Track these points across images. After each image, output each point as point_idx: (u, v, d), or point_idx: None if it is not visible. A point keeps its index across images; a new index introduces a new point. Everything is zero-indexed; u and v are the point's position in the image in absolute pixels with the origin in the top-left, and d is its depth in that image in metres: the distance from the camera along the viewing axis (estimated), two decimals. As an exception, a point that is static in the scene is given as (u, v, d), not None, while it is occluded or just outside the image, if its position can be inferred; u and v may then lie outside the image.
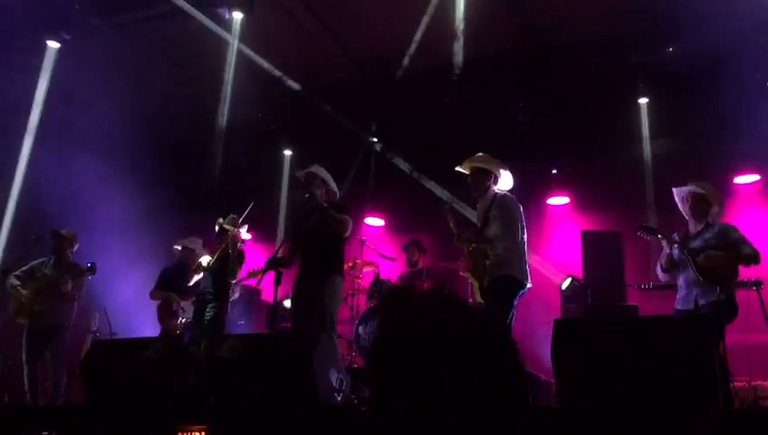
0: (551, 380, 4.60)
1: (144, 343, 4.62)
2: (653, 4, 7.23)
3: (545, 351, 3.46)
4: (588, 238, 7.23)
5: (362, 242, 7.66)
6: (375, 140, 9.62)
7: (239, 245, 6.23)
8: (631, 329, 3.53)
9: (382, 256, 7.72)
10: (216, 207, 9.81)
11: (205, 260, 6.63)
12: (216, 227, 6.23)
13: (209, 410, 3.97)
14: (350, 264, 7.01)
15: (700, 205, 4.92)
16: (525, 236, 4.99)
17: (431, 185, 8.86)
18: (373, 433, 2.96)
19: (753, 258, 4.66)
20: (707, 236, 4.80)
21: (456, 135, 7.93)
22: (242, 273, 6.21)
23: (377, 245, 8.16)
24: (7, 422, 4.38)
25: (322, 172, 5.18)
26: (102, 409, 4.15)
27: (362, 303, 7.33)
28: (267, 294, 6.81)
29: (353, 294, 7.24)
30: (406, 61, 8.03)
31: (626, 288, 6.77)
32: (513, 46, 7.88)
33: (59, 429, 4.03)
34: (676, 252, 4.89)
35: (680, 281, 4.90)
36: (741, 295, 4.78)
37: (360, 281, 7.38)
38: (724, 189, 7.43)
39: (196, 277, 6.29)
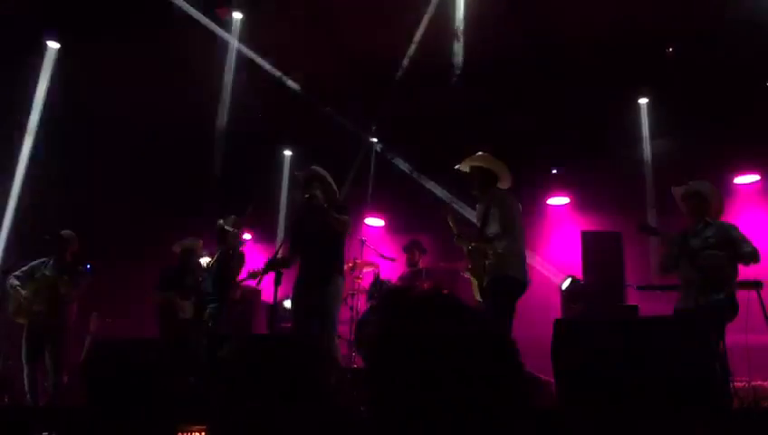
0: (550, 380, 4.60)
1: (144, 343, 4.62)
2: (653, 5, 7.23)
3: (545, 351, 3.46)
4: (588, 239, 7.23)
5: (362, 242, 7.66)
6: (375, 140, 9.64)
7: (239, 246, 6.23)
8: (631, 329, 3.53)
9: (382, 256, 7.72)
10: (216, 208, 9.85)
11: (204, 261, 6.63)
12: (217, 228, 6.23)
13: (209, 410, 3.97)
14: (351, 264, 7.02)
15: (699, 204, 4.92)
16: (524, 235, 5.00)
17: (431, 185, 8.88)
18: (373, 433, 2.97)
19: (753, 256, 4.66)
20: (707, 234, 4.80)
21: (456, 135, 7.94)
22: (242, 273, 6.21)
23: (377, 245, 8.17)
24: (7, 422, 4.38)
25: (322, 172, 5.18)
26: (103, 409, 4.15)
27: (362, 303, 7.34)
28: (267, 295, 6.81)
29: (353, 295, 7.24)
30: (406, 61, 8.04)
31: (626, 288, 6.77)
32: (513, 46, 7.88)
33: (59, 429, 4.03)
34: (675, 251, 4.90)
35: (680, 280, 4.90)
36: (741, 296, 4.78)
37: (360, 281, 7.38)
38: (724, 190, 7.44)
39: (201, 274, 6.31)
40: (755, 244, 4.74)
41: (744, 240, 4.73)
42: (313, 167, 5.22)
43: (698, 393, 3.14)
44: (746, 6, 6.86)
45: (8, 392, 6.92)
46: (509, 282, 4.72)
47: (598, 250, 7.08)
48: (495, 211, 4.85)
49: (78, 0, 7.41)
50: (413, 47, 7.91)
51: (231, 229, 6.10)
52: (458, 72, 7.74)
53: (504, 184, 5.10)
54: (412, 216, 9.10)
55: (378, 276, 7.24)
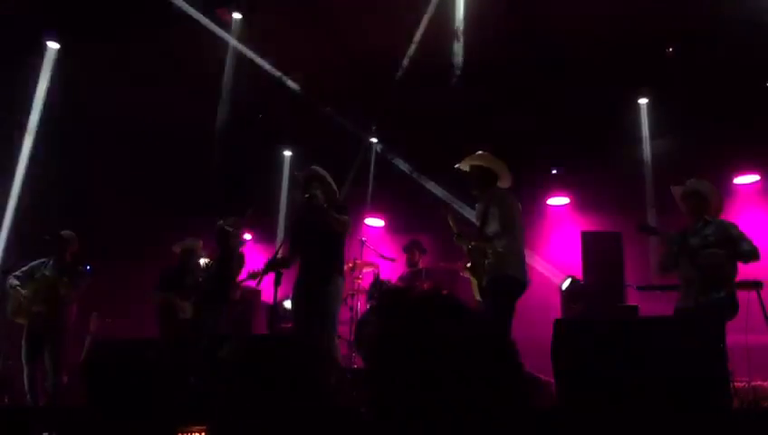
0: (550, 380, 4.60)
1: (144, 344, 4.62)
2: (652, 6, 7.23)
3: (545, 351, 3.46)
4: (588, 239, 7.24)
5: (362, 242, 7.66)
6: (375, 140, 9.64)
7: (240, 246, 6.23)
8: (631, 329, 3.53)
9: (382, 256, 7.72)
10: (216, 208, 9.85)
11: (204, 262, 6.63)
12: (217, 229, 6.23)
13: (209, 410, 3.97)
14: (350, 264, 7.02)
15: (698, 203, 4.93)
16: (524, 234, 4.99)
17: (431, 185, 8.88)
18: (373, 433, 2.97)
19: (753, 254, 4.66)
20: (706, 233, 4.80)
21: (456, 135, 7.93)
22: (242, 274, 6.22)
23: (377, 245, 8.17)
24: (7, 423, 4.38)
25: (322, 172, 5.18)
26: (103, 409, 4.15)
27: (362, 303, 7.34)
28: (267, 295, 6.81)
29: (353, 295, 7.24)
30: (406, 61, 8.04)
31: (626, 289, 6.78)
32: (513, 46, 7.88)
33: (59, 429, 4.04)
34: (675, 250, 4.90)
35: (680, 279, 4.90)
36: (741, 296, 4.78)
37: (359, 282, 7.38)
38: (724, 190, 7.44)
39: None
40: (755, 244, 4.74)
41: (743, 238, 4.73)
42: (313, 167, 5.22)
43: (698, 393, 3.14)
44: (746, 6, 6.86)
45: (8, 392, 6.93)
46: (508, 281, 4.71)
47: (598, 250, 7.08)
48: (495, 210, 4.85)
49: (78, 0, 7.40)
50: (413, 47, 7.90)
51: (231, 230, 6.10)
52: (458, 72, 7.74)
53: (504, 183, 5.10)
54: (412, 216, 9.11)
55: (378, 277, 7.24)
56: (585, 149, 8.34)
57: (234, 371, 3.95)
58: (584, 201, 8.70)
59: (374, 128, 9.41)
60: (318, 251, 5.01)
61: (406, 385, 2.37)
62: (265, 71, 8.37)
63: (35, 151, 8.51)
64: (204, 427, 3.59)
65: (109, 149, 9.00)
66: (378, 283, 7.05)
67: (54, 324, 6.01)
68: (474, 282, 5.08)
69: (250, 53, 8.12)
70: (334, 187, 5.21)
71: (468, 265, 5.12)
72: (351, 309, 7.18)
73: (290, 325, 6.14)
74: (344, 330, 6.87)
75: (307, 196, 4.96)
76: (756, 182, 7.87)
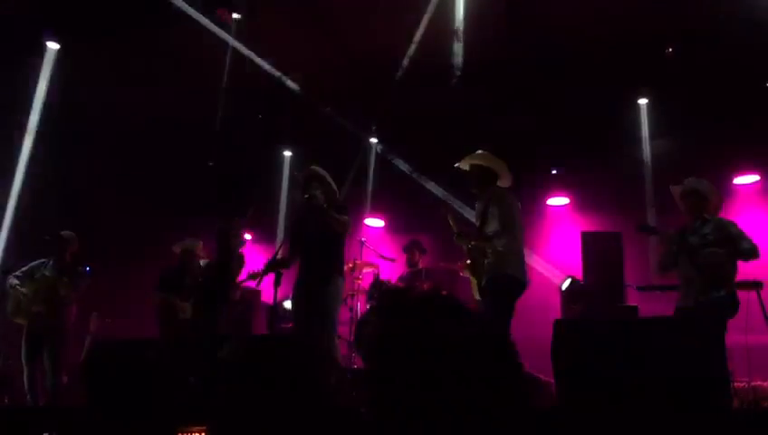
0: (550, 380, 4.60)
1: (144, 344, 4.62)
2: (652, 6, 7.23)
3: (545, 351, 3.46)
4: (588, 239, 7.24)
5: (362, 243, 7.66)
6: (375, 140, 9.64)
7: (240, 247, 6.23)
8: (631, 329, 3.53)
9: (382, 256, 7.72)
10: (216, 208, 9.86)
11: (203, 262, 6.64)
12: (218, 231, 6.23)
13: (209, 411, 3.97)
14: (350, 265, 7.01)
15: (697, 201, 4.93)
16: (523, 234, 4.99)
17: (431, 185, 8.88)
18: (373, 433, 2.97)
19: (752, 252, 4.66)
20: (705, 231, 4.80)
21: (456, 135, 7.93)
22: (242, 274, 6.22)
23: (376, 245, 8.16)
24: (7, 423, 4.38)
25: (322, 172, 5.18)
26: (103, 409, 4.15)
27: (362, 304, 7.33)
28: (267, 296, 6.81)
29: (353, 295, 7.23)
30: (406, 61, 8.04)
31: (626, 289, 6.78)
32: (513, 46, 7.88)
33: (59, 429, 4.04)
34: (674, 249, 4.90)
35: (679, 278, 4.90)
36: (741, 296, 4.78)
37: (359, 282, 7.37)
38: (724, 190, 7.45)
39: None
40: (755, 243, 4.74)
41: (743, 236, 4.73)
42: (313, 167, 5.22)
43: (698, 393, 3.14)
44: (746, 6, 6.87)
45: (8, 393, 6.93)
46: (508, 281, 4.71)
47: (598, 250, 7.08)
48: (495, 209, 4.84)
49: (77, 0, 7.40)
50: (413, 47, 7.91)
51: (232, 230, 6.11)
52: (458, 72, 7.74)
53: (504, 182, 5.09)
54: (412, 216, 9.10)
55: (377, 277, 7.23)
56: (585, 150, 8.34)
57: (234, 371, 3.96)
58: (584, 201, 8.70)
59: (374, 128, 9.41)
60: (318, 251, 5.00)
61: (406, 385, 2.37)
62: (265, 71, 8.37)
63: (35, 151, 8.51)
64: (204, 427, 3.59)
65: (109, 148, 8.99)
66: (378, 283, 7.04)
67: (54, 325, 6.01)
68: (473, 281, 5.07)
69: (250, 54, 8.12)
70: (334, 187, 5.21)
71: (468, 264, 5.11)
72: (351, 309, 7.18)
73: (290, 326, 6.13)
74: (344, 330, 6.86)
75: (307, 196, 4.96)
76: (756, 182, 7.87)
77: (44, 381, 6.05)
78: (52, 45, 8.28)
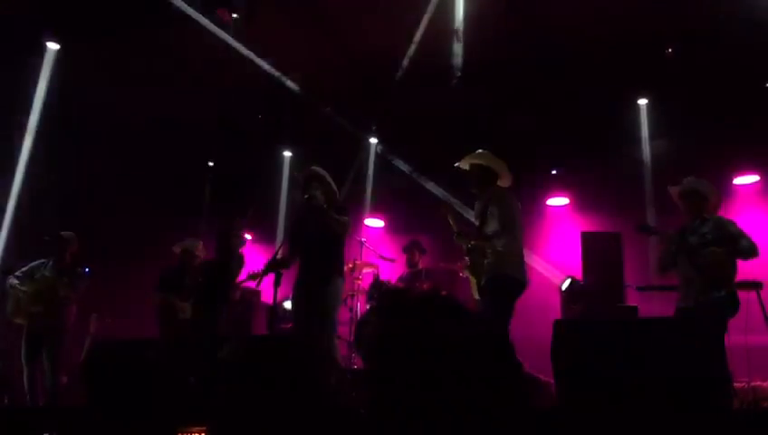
0: (550, 380, 4.60)
1: (144, 344, 4.62)
2: (652, 6, 7.24)
3: (545, 351, 3.46)
4: (587, 239, 7.23)
5: (362, 243, 7.65)
6: (375, 140, 9.64)
7: (240, 247, 6.23)
8: (631, 330, 3.53)
9: (382, 257, 7.72)
10: (216, 209, 9.87)
11: (203, 262, 6.64)
12: (219, 230, 6.23)
13: (209, 411, 3.97)
14: (350, 265, 7.01)
15: (696, 201, 4.92)
16: (523, 233, 4.99)
17: (431, 186, 8.88)
18: (373, 433, 2.97)
19: (752, 251, 4.65)
20: (704, 231, 4.79)
21: (456, 135, 7.94)
22: (241, 275, 6.22)
23: (376, 246, 8.16)
24: (7, 423, 4.38)
25: (322, 173, 5.18)
26: (103, 410, 4.15)
27: (362, 304, 7.33)
28: (267, 296, 6.81)
29: (353, 296, 7.23)
30: (406, 62, 8.04)
31: (625, 289, 6.78)
32: (513, 46, 7.89)
33: (60, 430, 4.04)
34: (673, 249, 4.90)
35: (679, 278, 4.90)
36: (741, 296, 4.78)
37: (359, 282, 7.37)
38: (724, 190, 7.44)
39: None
40: (755, 243, 4.74)
41: (742, 235, 4.73)
42: (313, 167, 5.22)
43: (698, 394, 3.14)
44: (746, 6, 6.87)
45: (8, 393, 6.92)
46: (507, 281, 4.70)
47: (597, 251, 7.08)
48: (494, 209, 4.84)
49: (77, 0, 7.40)
50: (413, 47, 7.91)
51: (233, 231, 6.11)
52: (458, 72, 7.74)
53: (505, 182, 5.09)
54: (412, 216, 9.10)
55: (377, 277, 7.23)
56: (585, 150, 8.34)
57: (234, 371, 3.96)
58: (584, 202, 8.70)
59: (374, 128, 9.41)
60: (317, 252, 5.00)
61: (406, 385, 2.38)
62: (265, 71, 8.37)
63: (35, 151, 8.50)
64: (204, 427, 3.60)
65: (108, 149, 8.99)
66: (377, 283, 7.04)
67: (54, 325, 6.01)
68: (473, 281, 5.07)
69: (250, 54, 8.12)
70: (334, 187, 5.21)
71: (468, 264, 5.11)
72: (351, 310, 7.18)
73: (290, 326, 6.13)
74: (344, 331, 6.86)
75: (306, 196, 4.96)
76: (756, 183, 7.87)
77: (44, 381, 6.05)
78: (52, 45, 8.27)
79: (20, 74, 8.16)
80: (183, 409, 3.94)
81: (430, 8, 7.52)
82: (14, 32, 7.64)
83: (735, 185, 7.88)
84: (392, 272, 7.97)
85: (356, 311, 7.21)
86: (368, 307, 7.15)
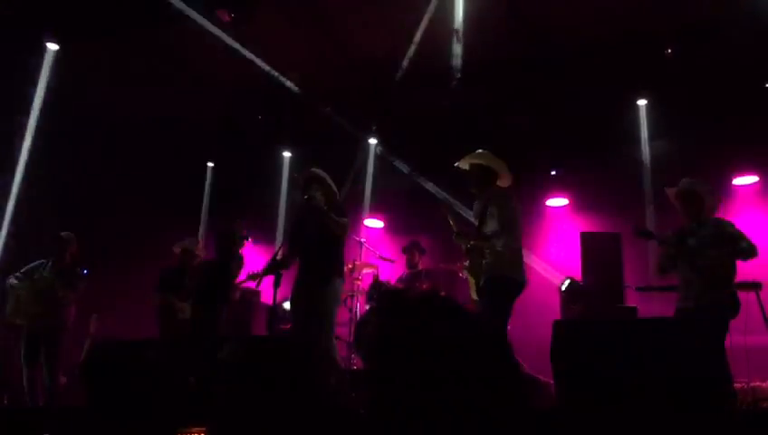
0: (550, 381, 4.60)
1: (144, 344, 4.62)
2: (652, 7, 7.24)
3: (544, 352, 3.47)
4: (587, 240, 7.23)
5: (361, 244, 7.66)
6: (374, 141, 9.64)
7: (240, 248, 6.23)
8: (630, 330, 3.54)
9: (381, 257, 7.72)
10: (216, 209, 9.88)
11: (203, 262, 6.64)
12: (222, 233, 6.23)
13: (209, 411, 3.97)
14: (350, 266, 7.01)
15: (694, 202, 4.92)
16: (522, 234, 4.99)
17: (430, 186, 8.88)
18: (373, 433, 2.97)
19: (751, 252, 4.65)
20: (703, 233, 4.79)
21: (456, 136, 7.94)
22: (241, 275, 6.22)
23: (376, 246, 8.17)
24: (7, 423, 4.39)
25: (322, 175, 5.18)
26: (102, 410, 4.15)
27: (362, 304, 7.34)
28: (267, 296, 6.81)
29: (353, 296, 7.24)
30: (405, 62, 8.04)
31: (625, 290, 6.78)
32: (513, 46, 7.89)
33: (59, 430, 4.04)
34: (672, 251, 4.90)
35: (679, 280, 4.90)
36: (740, 297, 4.78)
37: (359, 283, 7.38)
38: (723, 191, 7.46)
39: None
40: (755, 244, 4.74)
41: (741, 236, 4.72)
42: (313, 169, 5.22)
43: (698, 394, 3.14)
44: (745, 7, 6.88)
45: (7, 393, 6.93)
46: (506, 281, 4.70)
47: (597, 251, 7.08)
48: (494, 209, 4.83)
49: (77, 0, 7.41)
50: (413, 48, 7.91)
51: (234, 232, 6.12)
52: (458, 73, 7.74)
53: (504, 182, 5.09)
54: (411, 217, 9.10)
55: (377, 278, 7.24)
56: (584, 150, 8.35)
57: (233, 372, 3.96)
58: (583, 202, 8.70)
59: (374, 128, 9.41)
60: (317, 252, 5.01)
61: (405, 385, 2.38)
62: (265, 71, 8.37)
63: (35, 151, 8.50)
64: (204, 428, 3.60)
65: (108, 149, 9.00)
66: (377, 284, 7.05)
67: (53, 325, 6.02)
68: (471, 281, 5.07)
69: (249, 54, 8.12)
70: (334, 188, 5.22)
71: (467, 264, 5.11)
72: (351, 310, 7.19)
73: (289, 326, 6.13)
74: (344, 331, 6.87)
75: (306, 197, 4.96)
76: (755, 183, 7.87)
77: (43, 381, 6.05)
78: (52, 45, 8.28)
79: (20, 74, 8.16)
80: (183, 409, 3.94)
81: (430, 8, 7.51)
82: (13, 32, 7.64)
83: (735, 185, 7.89)
84: (392, 272, 7.97)
85: (355, 311, 7.22)
86: (367, 308, 7.15)
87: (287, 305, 6.43)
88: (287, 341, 4.97)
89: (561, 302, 7.12)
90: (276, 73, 8.46)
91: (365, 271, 7.49)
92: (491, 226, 4.81)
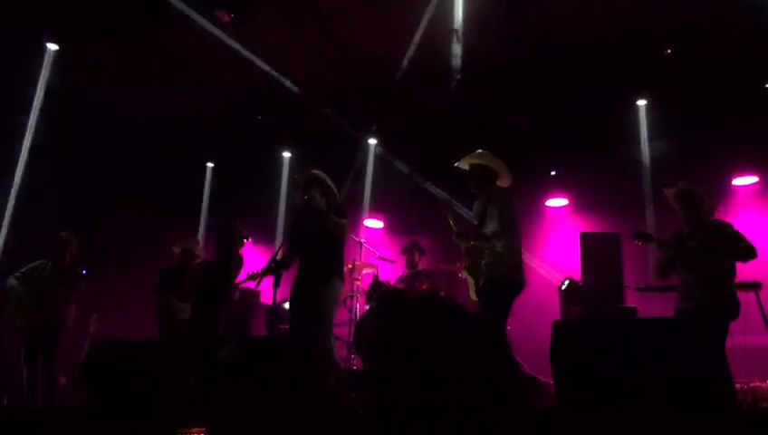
0: (550, 381, 4.61)
1: (144, 345, 4.62)
2: (652, 7, 7.24)
3: (544, 352, 3.47)
4: (586, 240, 7.23)
5: (361, 244, 7.66)
6: (374, 141, 9.64)
7: (240, 248, 6.23)
8: (630, 330, 3.54)
9: (381, 258, 7.72)
10: (216, 209, 9.87)
11: (203, 262, 6.64)
12: (223, 233, 6.23)
13: (209, 411, 3.97)
14: (350, 266, 7.01)
15: (692, 203, 4.92)
16: (522, 234, 4.99)
17: (430, 186, 8.88)
18: (373, 433, 2.97)
19: (751, 253, 4.65)
20: (702, 235, 4.79)
21: (456, 136, 7.94)
22: (241, 275, 6.22)
23: (376, 247, 8.16)
24: (7, 423, 4.38)
25: (322, 176, 5.18)
26: (102, 411, 4.15)
27: (361, 305, 7.34)
28: (266, 297, 6.81)
29: (352, 297, 7.24)
30: (405, 62, 8.04)
31: (624, 290, 6.78)
32: (513, 46, 7.89)
33: (59, 431, 4.04)
34: (671, 253, 4.90)
35: (679, 281, 4.90)
36: (740, 297, 4.78)
37: (359, 283, 7.37)
38: (723, 191, 7.47)
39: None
40: (753, 244, 4.74)
41: (740, 238, 4.73)
42: (313, 170, 5.22)
43: (698, 394, 3.14)
44: (746, 6, 6.88)
45: (7, 393, 6.93)
46: (505, 282, 4.70)
47: (597, 251, 7.08)
48: (494, 210, 4.83)
49: (77, 0, 7.41)
50: (413, 48, 7.91)
51: (235, 232, 6.12)
52: (458, 73, 7.74)
53: (504, 182, 5.08)
54: (411, 217, 9.10)
55: (377, 278, 7.24)
56: (584, 150, 8.35)
57: (233, 372, 3.96)
58: (583, 202, 8.70)
59: (374, 128, 9.42)
60: (317, 253, 5.01)
61: (405, 385, 2.38)
62: (265, 71, 8.37)
63: (35, 151, 8.51)
64: (203, 428, 3.60)
65: (108, 149, 9.00)
66: (377, 284, 7.05)
67: (53, 326, 6.02)
68: (471, 281, 5.07)
69: (249, 54, 8.12)
70: (334, 190, 5.21)
71: (467, 265, 5.10)
72: (351, 310, 7.18)
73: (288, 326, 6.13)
74: (344, 331, 6.87)
75: (306, 197, 4.96)
76: (755, 183, 7.87)
77: (43, 381, 6.05)
78: (52, 46, 8.28)
79: (20, 74, 8.17)
80: (183, 409, 3.94)
81: (430, 8, 7.51)
82: (14, 32, 7.65)
83: (734, 186, 7.89)
84: (391, 273, 7.97)
85: (355, 311, 7.21)
86: (367, 308, 7.15)
87: (287, 306, 6.43)
88: (287, 341, 4.96)
89: (560, 302, 7.12)
90: (276, 73, 8.46)
91: (365, 271, 7.49)
92: (491, 226, 4.80)
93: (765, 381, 5.77)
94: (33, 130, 8.50)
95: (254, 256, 8.12)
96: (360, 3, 7.62)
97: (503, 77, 8.24)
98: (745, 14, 6.89)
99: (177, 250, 6.89)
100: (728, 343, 4.51)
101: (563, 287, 7.08)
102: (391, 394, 2.41)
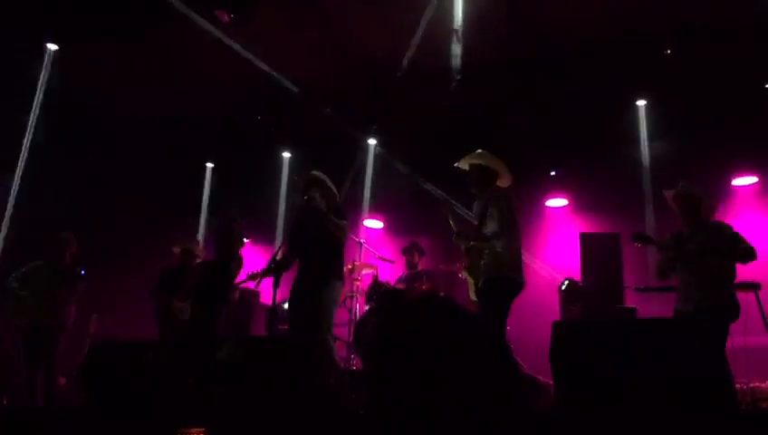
0: (549, 381, 4.61)
1: (143, 345, 4.62)
2: (651, 7, 7.25)
3: (544, 353, 3.47)
4: (586, 240, 7.24)
5: (361, 244, 7.66)
6: (374, 141, 9.65)
7: (239, 248, 6.24)
8: (630, 331, 3.54)
9: (381, 258, 7.72)
10: (216, 209, 9.87)
11: (203, 262, 6.64)
12: (224, 234, 6.23)
13: (209, 412, 3.97)
14: (349, 266, 7.01)
15: (691, 205, 4.92)
16: (521, 234, 4.99)
17: (430, 186, 8.88)
18: (372, 434, 2.97)
19: (750, 254, 4.64)
20: (701, 236, 4.79)
21: (456, 136, 7.94)
22: (240, 275, 6.22)
23: (375, 247, 8.17)
24: (7, 424, 4.38)
25: (322, 177, 5.18)
26: (102, 411, 4.15)
27: (361, 305, 7.34)
28: (266, 297, 6.82)
29: (352, 297, 7.23)
30: (405, 62, 8.04)
31: (624, 290, 6.78)
32: (513, 47, 7.90)
33: (59, 431, 4.04)
34: (671, 255, 4.89)
35: (679, 283, 4.90)
36: (740, 298, 4.78)
37: (358, 283, 7.38)
38: (723, 191, 7.47)
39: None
40: (752, 244, 4.74)
41: (739, 239, 4.72)
42: (313, 172, 5.22)
43: (698, 395, 3.14)
44: (746, 7, 6.88)
45: (7, 394, 6.93)
46: (505, 282, 4.69)
47: (596, 252, 7.08)
48: (494, 210, 4.83)
49: (78, 1, 7.41)
50: (413, 48, 7.91)
51: (236, 232, 6.12)
52: (458, 73, 7.74)
53: (504, 182, 5.08)
54: (411, 217, 9.10)
55: (376, 278, 7.24)
56: (584, 151, 8.35)
57: (233, 372, 3.96)
58: (583, 203, 8.71)
59: (374, 128, 9.42)
60: (316, 253, 5.01)
61: (405, 386, 2.38)
62: (265, 71, 8.37)
63: (35, 151, 8.51)
64: (203, 429, 3.60)
65: (108, 149, 9.01)
66: (376, 284, 7.05)
67: (53, 326, 6.02)
68: (470, 282, 5.06)
69: (249, 54, 8.12)
70: (334, 191, 5.21)
71: (466, 265, 5.10)
72: (350, 311, 7.18)
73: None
74: (343, 331, 6.87)
75: (306, 198, 4.96)
76: (754, 184, 7.88)
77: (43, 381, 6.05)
78: (52, 46, 8.28)
79: (20, 74, 8.17)
80: (183, 409, 3.95)
81: (430, 8, 7.51)
82: (14, 32, 7.65)
83: (734, 186, 7.89)
84: (391, 273, 7.97)
85: (355, 312, 7.22)
86: (367, 308, 7.15)
87: (287, 306, 6.43)
88: (286, 341, 4.97)
89: (560, 302, 7.12)
90: (276, 73, 8.46)
91: (364, 272, 7.49)
92: (490, 226, 4.80)
93: (765, 382, 5.77)
94: (32, 129, 8.50)
95: (253, 257, 8.12)
96: (360, 3, 7.63)
97: (503, 77, 8.24)
98: (745, 14, 6.90)
99: (177, 250, 6.89)
100: (728, 344, 4.51)
101: (563, 288, 7.08)
102: (391, 394, 2.41)
